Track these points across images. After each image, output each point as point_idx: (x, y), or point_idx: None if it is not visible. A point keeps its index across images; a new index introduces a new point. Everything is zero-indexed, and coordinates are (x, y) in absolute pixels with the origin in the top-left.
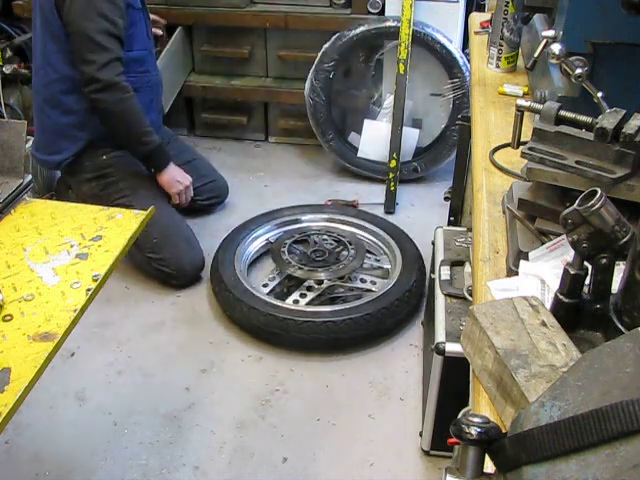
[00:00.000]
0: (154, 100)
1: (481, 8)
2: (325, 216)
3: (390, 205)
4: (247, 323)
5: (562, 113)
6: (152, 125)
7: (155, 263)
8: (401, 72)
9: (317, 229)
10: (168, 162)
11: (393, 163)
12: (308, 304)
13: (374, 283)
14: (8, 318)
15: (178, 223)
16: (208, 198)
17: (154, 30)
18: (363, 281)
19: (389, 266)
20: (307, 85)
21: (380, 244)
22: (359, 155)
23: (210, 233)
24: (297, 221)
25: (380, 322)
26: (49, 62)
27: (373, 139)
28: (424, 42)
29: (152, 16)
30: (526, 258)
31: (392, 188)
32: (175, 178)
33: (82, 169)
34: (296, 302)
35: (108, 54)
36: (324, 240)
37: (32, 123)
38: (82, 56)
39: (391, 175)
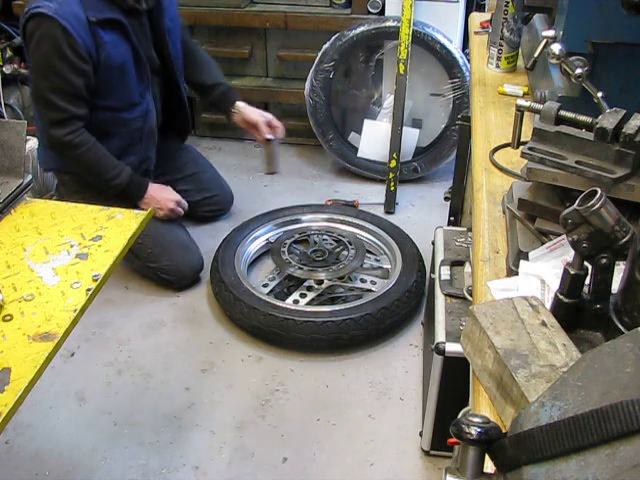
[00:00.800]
0: (135, 145)
1: (481, 8)
2: (325, 216)
3: (390, 205)
4: (247, 323)
5: (562, 113)
6: (134, 164)
7: (154, 271)
8: (401, 72)
9: (317, 229)
10: (143, 192)
11: (393, 163)
12: (308, 304)
13: (374, 283)
14: (8, 318)
15: (172, 230)
16: (210, 210)
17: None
18: (363, 281)
19: (389, 266)
20: (307, 85)
21: (380, 244)
22: (359, 155)
23: (210, 234)
24: (297, 221)
25: (380, 322)
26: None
27: (373, 139)
28: (424, 42)
29: (271, 119)
30: (526, 258)
31: (392, 188)
32: (156, 203)
33: (68, 182)
34: (296, 302)
35: (59, 113)
36: (324, 240)
37: (32, 123)
38: (37, 109)
39: (391, 175)
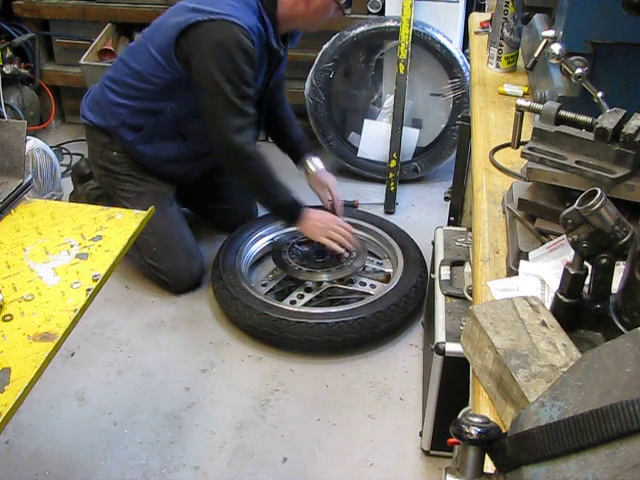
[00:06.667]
0: (192, 158)
1: (481, 8)
2: None
3: (390, 205)
4: (242, 322)
5: (562, 113)
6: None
7: (154, 270)
8: (401, 72)
9: None
10: (304, 211)
11: (393, 163)
12: (306, 305)
13: (373, 287)
14: (8, 318)
15: (180, 233)
16: (227, 222)
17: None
18: (363, 284)
19: (391, 270)
20: (307, 85)
21: (384, 247)
22: (359, 155)
23: (211, 233)
24: None
25: (374, 326)
26: (141, 55)
27: (373, 139)
28: (424, 42)
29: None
30: (526, 258)
31: (392, 188)
32: (315, 224)
33: (97, 149)
34: (293, 303)
35: (245, 119)
36: None
37: (38, 120)
38: (218, 112)
39: (391, 175)
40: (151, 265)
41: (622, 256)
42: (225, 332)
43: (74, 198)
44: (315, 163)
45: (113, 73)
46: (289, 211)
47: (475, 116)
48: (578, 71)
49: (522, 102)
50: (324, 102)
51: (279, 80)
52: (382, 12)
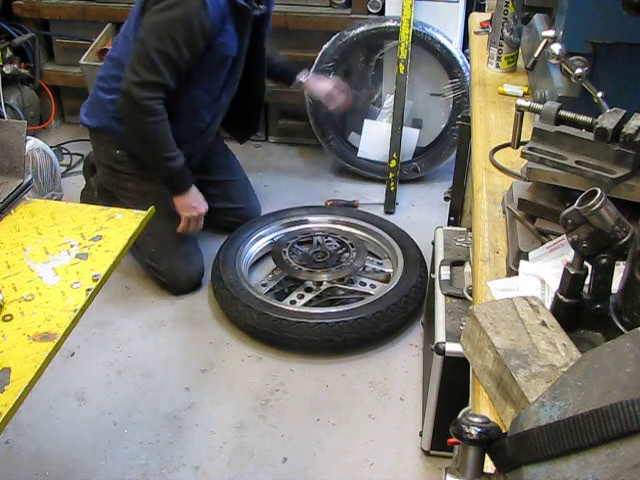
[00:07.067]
0: (188, 142)
1: (481, 8)
2: (329, 217)
3: (390, 205)
4: (242, 322)
5: (562, 113)
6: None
7: (153, 271)
8: (401, 72)
9: (321, 230)
10: (188, 187)
11: (393, 163)
12: (306, 305)
13: (373, 287)
14: (8, 318)
15: (181, 236)
16: (230, 222)
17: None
18: (363, 284)
19: (391, 270)
20: None
21: (384, 247)
22: (359, 155)
23: (211, 233)
24: (302, 222)
25: (374, 326)
26: (120, 43)
27: (373, 139)
28: (424, 42)
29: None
30: (526, 258)
31: (392, 188)
32: (191, 204)
33: (101, 149)
34: (293, 303)
35: (154, 76)
36: (328, 242)
37: (38, 120)
38: (132, 64)
39: (391, 175)
40: (150, 266)
41: (622, 256)
42: (225, 332)
43: (87, 192)
44: (303, 74)
45: (102, 71)
46: (177, 181)
47: (475, 116)
48: (578, 71)
49: (522, 102)
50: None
51: (265, 36)
52: (382, 12)
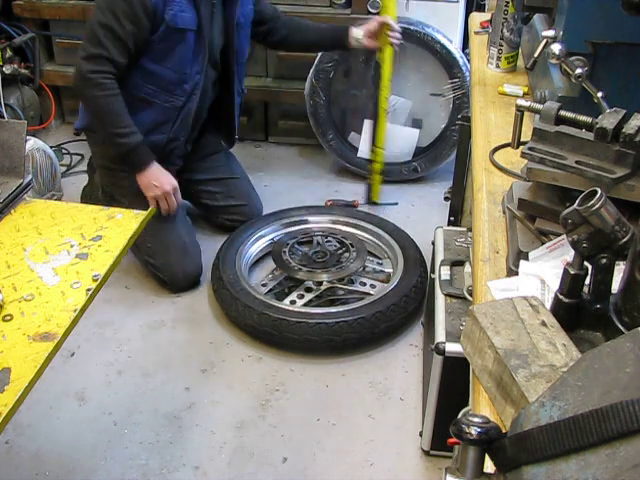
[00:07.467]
0: (168, 124)
1: (481, 8)
2: (329, 217)
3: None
4: (242, 322)
5: (562, 113)
6: (158, 143)
7: (150, 267)
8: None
9: (321, 230)
10: (146, 165)
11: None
12: (306, 305)
13: (373, 287)
14: (8, 318)
15: (175, 230)
16: (232, 220)
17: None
18: (363, 284)
19: (391, 270)
20: (307, 85)
21: (384, 248)
22: (359, 155)
23: (211, 233)
24: (302, 222)
25: (374, 326)
26: None
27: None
28: (424, 42)
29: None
30: (526, 258)
31: (374, 182)
32: (151, 181)
33: (97, 149)
34: (293, 303)
35: (98, 49)
36: (328, 242)
37: (38, 120)
38: (82, 42)
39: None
40: (147, 262)
41: (622, 256)
42: (225, 332)
43: (89, 188)
44: (357, 30)
45: None
46: (132, 158)
47: (475, 116)
48: (578, 71)
49: (522, 102)
50: (324, 102)
51: (242, 24)
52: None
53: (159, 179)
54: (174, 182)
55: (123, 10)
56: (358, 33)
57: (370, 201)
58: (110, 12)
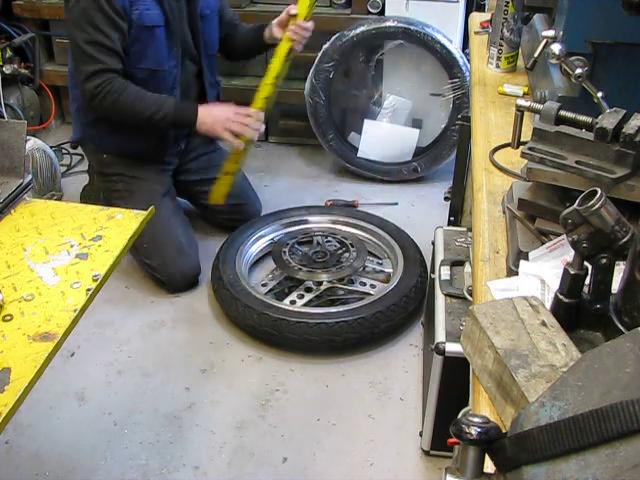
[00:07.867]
0: None
1: (481, 8)
2: (329, 217)
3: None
4: (242, 322)
5: (562, 113)
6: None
7: (148, 268)
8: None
9: (321, 230)
10: (194, 115)
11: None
12: (306, 305)
13: (373, 287)
14: (8, 318)
15: (171, 230)
16: (231, 219)
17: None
18: (363, 284)
19: (391, 270)
20: (307, 85)
21: (384, 248)
22: (359, 155)
23: (212, 233)
24: (302, 222)
25: (374, 326)
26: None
27: (373, 139)
28: (424, 42)
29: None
30: (526, 258)
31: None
32: (210, 123)
33: (92, 157)
34: (293, 303)
35: (94, 65)
36: (328, 242)
37: (38, 120)
38: (75, 66)
39: None
40: (144, 262)
41: (622, 256)
42: (225, 332)
43: (90, 189)
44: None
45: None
46: (181, 119)
47: (475, 116)
48: (578, 71)
49: (522, 102)
50: (324, 102)
51: (207, 16)
52: (382, 12)
53: (213, 115)
54: (227, 107)
55: (101, 20)
56: (273, 25)
57: (210, 202)
58: (90, 26)
